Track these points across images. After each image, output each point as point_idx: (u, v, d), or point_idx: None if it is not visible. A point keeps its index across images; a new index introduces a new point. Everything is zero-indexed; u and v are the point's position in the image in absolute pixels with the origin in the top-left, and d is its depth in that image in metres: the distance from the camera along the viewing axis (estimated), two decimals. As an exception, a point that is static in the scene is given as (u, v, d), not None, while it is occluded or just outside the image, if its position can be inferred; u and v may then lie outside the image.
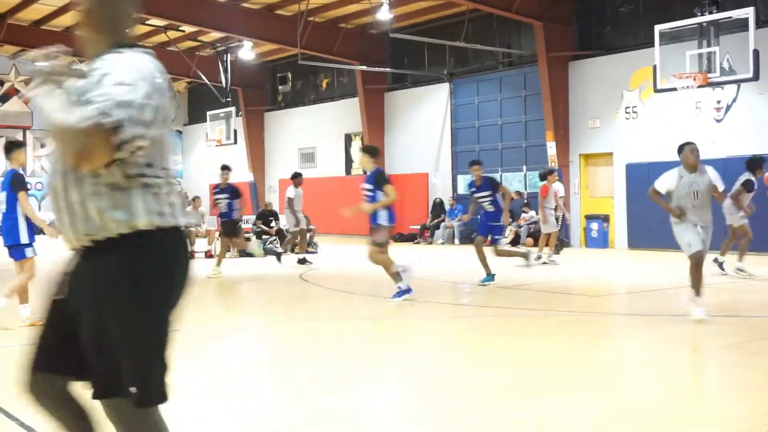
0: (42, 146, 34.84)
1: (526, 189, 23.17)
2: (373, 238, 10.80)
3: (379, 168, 11.12)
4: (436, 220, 25.01)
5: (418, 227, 25.39)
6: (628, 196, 20.31)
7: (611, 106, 20.87)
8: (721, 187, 9.30)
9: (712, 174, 9.03)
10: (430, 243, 24.48)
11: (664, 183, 9.04)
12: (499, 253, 13.10)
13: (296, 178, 18.00)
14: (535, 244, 21.51)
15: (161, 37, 29.36)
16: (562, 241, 18.26)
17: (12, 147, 9.15)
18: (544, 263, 15.95)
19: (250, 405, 5.63)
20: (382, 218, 10.75)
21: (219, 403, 5.59)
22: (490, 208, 12.82)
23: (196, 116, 36.58)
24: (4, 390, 5.90)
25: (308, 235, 21.35)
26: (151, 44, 30.83)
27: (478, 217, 13.52)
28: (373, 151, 11.37)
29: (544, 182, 16.91)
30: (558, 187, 17.19)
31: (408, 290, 10.74)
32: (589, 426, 4.94)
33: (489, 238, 13.08)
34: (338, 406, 5.46)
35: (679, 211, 8.78)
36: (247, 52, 28.09)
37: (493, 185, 12.95)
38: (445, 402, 5.53)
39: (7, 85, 34.01)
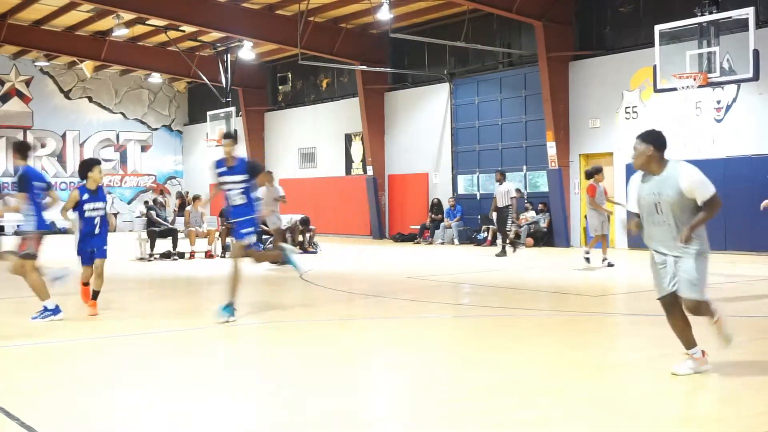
0: (42, 146, 34.85)
1: (526, 189, 23.17)
2: (21, 249, 9.41)
3: (244, 158, 9.87)
4: (434, 220, 24.99)
5: (418, 227, 25.39)
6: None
7: (611, 106, 20.87)
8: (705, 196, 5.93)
9: (684, 177, 5.91)
10: (430, 243, 24.47)
11: (630, 195, 6.37)
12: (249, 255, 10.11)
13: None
14: (536, 244, 21.57)
15: (161, 37, 29.37)
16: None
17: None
18: (610, 265, 15.34)
19: (249, 405, 5.63)
20: (30, 224, 9.62)
21: (217, 404, 5.59)
22: (239, 200, 9.65)
23: (196, 116, 36.59)
24: (5, 390, 5.91)
25: (308, 235, 21.36)
26: (151, 44, 30.88)
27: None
28: (236, 136, 9.90)
29: (591, 181, 15.57)
30: (604, 186, 15.86)
31: (55, 311, 9.30)
32: (588, 426, 4.94)
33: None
34: (336, 407, 5.46)
35: (635, 227, 6.29)
36: (248, 52, 28.09)
37: (250, 170, 9.80)
38: (444, 402, 5.53)
39: (7, 85, 34.00)
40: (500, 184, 18.87)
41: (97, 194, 9.98)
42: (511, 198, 18.92)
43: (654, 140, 6.14)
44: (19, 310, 10.32)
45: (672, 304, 6.16)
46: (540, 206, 22.22)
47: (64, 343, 7.99)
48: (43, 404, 5.55)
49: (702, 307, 6.12)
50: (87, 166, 10.12)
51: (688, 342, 6.25)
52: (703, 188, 5.92)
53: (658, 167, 6.06)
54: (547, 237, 21.91)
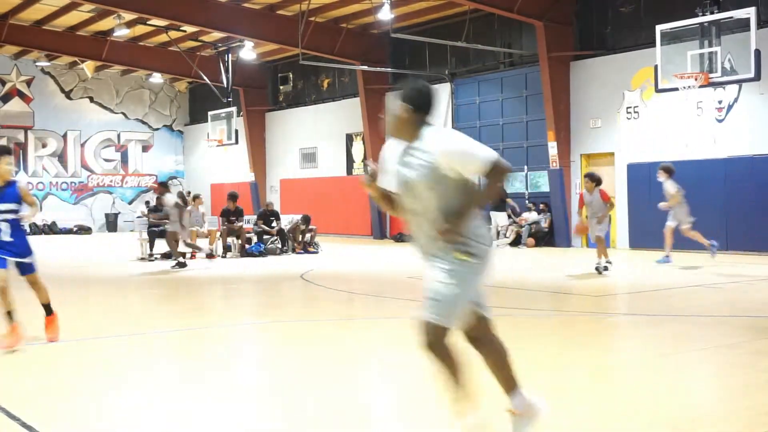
0: (43, 146, 34.87)
1: (527, 189, 23.15)
2: None
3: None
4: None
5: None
6: (630, 196, 20.30)
7: (612, 106, 20.86)
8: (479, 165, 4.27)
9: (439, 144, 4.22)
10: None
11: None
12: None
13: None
14: (537, 244, 21.55)
15: (162, 37, 29.38)
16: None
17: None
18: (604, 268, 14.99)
19: (248, 405, 5.63)
20: None
21: (216, 405, 5.59)
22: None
23: (197, 116, 36.62)
24: (6, 390, 5.91)
25: (309, 235, 21.37)
26: (152, 44, 30.88)
27: None
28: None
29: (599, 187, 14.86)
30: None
31: None
32: (589, 426, 4.94)
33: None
34: (336, 406, 5.46)
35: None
36: (249, 52, 28.10)
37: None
38: (443, 402, 5.53)
39: (8, 85, 34.01)
40: None
41: (3, 193, 7.87)
42: None
43: (411, 97, 4.30)
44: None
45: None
46: (541, 206, 22.20)
47: (64, 344, 7.99)
48: (44, 404, 5.55)
49: (437, 341, 4.23)
50: None
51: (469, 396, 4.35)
52: (470, 156, 4.15)
53: (412, 133, 4.29)
54: (548, 237, 21.90)
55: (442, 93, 25.63)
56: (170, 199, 17.68)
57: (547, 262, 17.18)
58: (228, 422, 5.12)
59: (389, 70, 26.41)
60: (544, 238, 21.84)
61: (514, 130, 23.55)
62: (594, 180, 14.35)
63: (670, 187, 15.54)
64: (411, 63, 26.65)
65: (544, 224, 21.97)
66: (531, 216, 22.16)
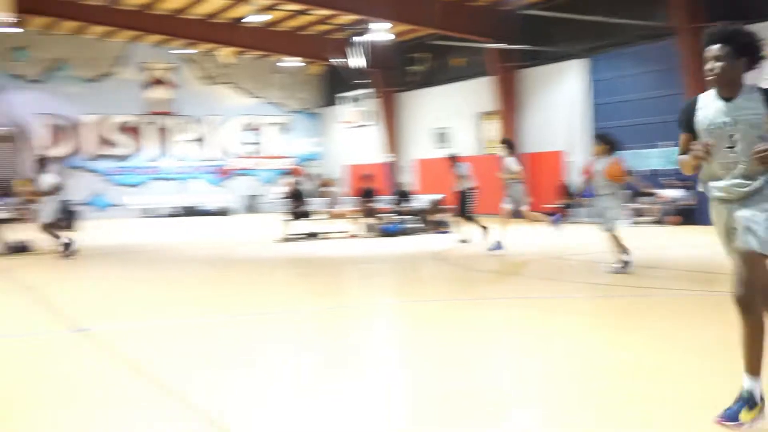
0: (185, 131, 36.21)
1: (664, 166, 22.46)
2: None
3: None
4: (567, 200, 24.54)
5: (554, 206, 25.00)
6: None
7: (757, 75, 19.92)
8: None
9: None
10: (565, 222, 24.05)
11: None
12: None
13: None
14: (684, 223, 20.86)
15: (296, 21, 29.95)
16: None
17: None
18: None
19: (378, 384, 5.73)
20: None
21: (346, 384, 5.71)
22: None
23: (331, 99, 37.16)
24: (159, 362, 6.20)
25: (441, 215, 21.42)
26: (285, 29, 31.50)
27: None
28: None
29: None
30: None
31: None
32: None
33: None
34: (464, 387, 5.48)
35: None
36: (381, 33, 28.28)
37: None
38: (573, 380, 5.48)
39: (152, 74, 35.45)
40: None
41: None
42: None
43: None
44: (173, 287, 10.75)
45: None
46: (685, 183, 21.48)
47: (208, 321, 8.31)
48: (196, 377, 5.80)
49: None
50: None
51: None
52: None
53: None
54: (691, 215, 21.19)
55: (577, 69, 25.12)
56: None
57: (688, 240, 16.64)
58: (356, 401, 5.22)
59: (521, 47, 26.05)
60: (689, 215, 21.14)
61: (652, 105, 22.83)
62: (606, 142, 11.21)
63: (512, 164, 14.86)
64: (544, 39, 26.19)
65: (690, 201, 21.24)
66: (670, 193, 21.47)
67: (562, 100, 25.73)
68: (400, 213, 20.81)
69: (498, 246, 14.56)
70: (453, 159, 17.60)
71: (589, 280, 11.06)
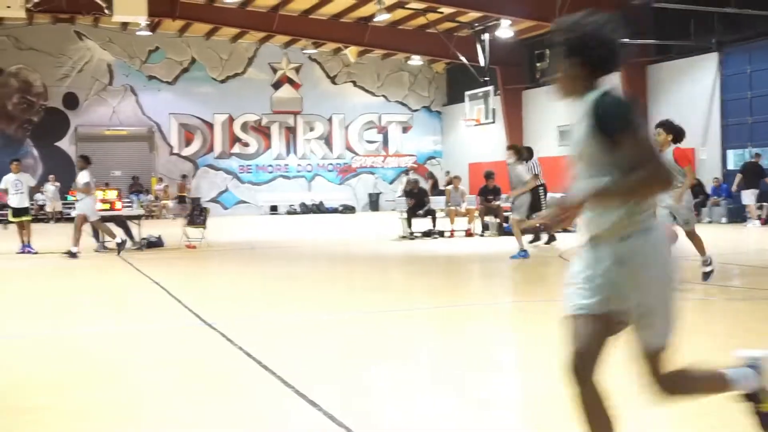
0: (311, 130, 36.83)
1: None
2: None
3: None
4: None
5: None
6: None
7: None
8: None
9: None
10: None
11: None
12: None
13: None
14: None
15: (420, 20, 30.00)
16: None
17: None
18: None
19: (491, 382, 5.62)
20: None
21: (465, 381, 5.63)
22: None
23: (454, 97, 37.05)
24: (281, 356, 6.27)
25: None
26: (411, 27, 31.57)
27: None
28: None
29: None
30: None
31: None
32: None
33: None
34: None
35: None
36: (505, 30, 28.01)
37: None
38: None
39: (279, 73, 36.20)
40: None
41: None
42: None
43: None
44: (296, 283, 10.88)
45: None
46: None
47: (327, 318, 8.38)
48: (317, 372, 5.84)
49: None
50: None
51: None
52: None
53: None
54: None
55: (709, 63, 24.20)
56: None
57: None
58: (471, 400, 5.14)
59: (651, 41, 25.27)
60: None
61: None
62: (670, 130, 9.65)
63: (522, 171, 14.18)
64: (674, 33, 25.34)
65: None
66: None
67: (693, 96, 24.83)
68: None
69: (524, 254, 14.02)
70: None
71: (720, 283, 10.59)
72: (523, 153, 15.77)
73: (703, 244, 9.94)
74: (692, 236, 9.96)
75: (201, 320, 8.08)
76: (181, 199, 32.87)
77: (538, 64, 32.18)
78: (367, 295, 10.17)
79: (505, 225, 20.08)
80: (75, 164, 21.98)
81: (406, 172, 36.06)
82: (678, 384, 3.39)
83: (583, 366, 3.22)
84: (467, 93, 32.04)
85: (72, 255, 15.16)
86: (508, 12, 26.25)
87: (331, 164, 37.27)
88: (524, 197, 14.28)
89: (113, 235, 15.95)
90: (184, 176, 34.32)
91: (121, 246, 15.77)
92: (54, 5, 24.54)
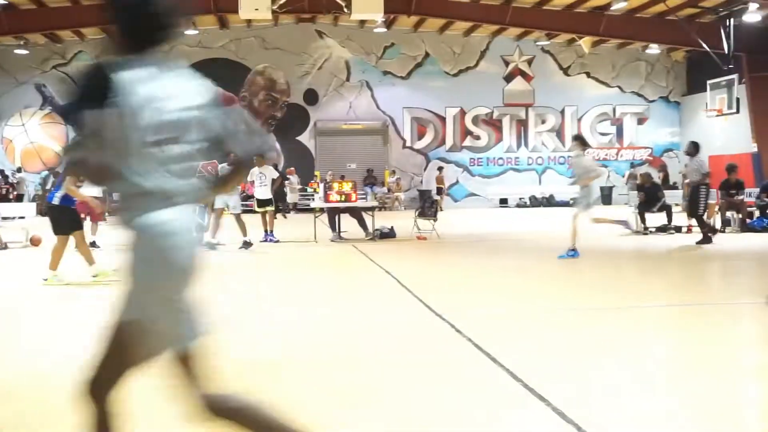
0: (542, 122, 36.46)
1: None
2: None
3: None
4: None
5: None
6: None
7: None
8: None
9: None
10: None
11: None
12: None
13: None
14: None
15: (660, 7, 28.88)
16: None
17: None
18: None
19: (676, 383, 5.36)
20: None
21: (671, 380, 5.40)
22: None
23: (695, 86, 35.31)
24: (510, 352, 6.31)
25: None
26: (648, 15, 30.47)
27: None
28: None
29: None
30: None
31: None
32: None
33: None
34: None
35: None
36: (753, 14, 26.38)
37: None
38: None
39: (511, 66, 36.10)
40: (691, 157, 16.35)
41: None
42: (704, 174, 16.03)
43: None
44: (525, 276, 10.87)
45: None
46: None
47: (560, 312, 8.31)
48: (544, 366, 5.84)
49: None
50: None
51: None
52: None
53: None
54: None
55: None
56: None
57: None
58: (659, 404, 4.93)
59: None
60: None
61: None
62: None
63: (589, 163, 13.42)
64: None
65: None
66: None
67: None
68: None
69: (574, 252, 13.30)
70: None
71: None
72: (587, 144, 15.05)
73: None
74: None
75: (431, 310, 8.28)
76: (438, 191, 33.40)
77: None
78: (594, 291, 9.99)
79: (748, 221, 19.02)
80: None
81: (633, 165, 34.88)
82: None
83: None
84: (709, 82, 30.49)
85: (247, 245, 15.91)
86: (759, -5, 24.71)
87: (562, 157, 36.72)
88: (586, 190, 13.66)
89: (246, 233, 16.27)
90: (440, 168, 34.92)
91: (247, 245, 16.06)
92: (297, 6, 25.83)
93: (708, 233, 16.13)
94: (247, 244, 15.98)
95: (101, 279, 10.76)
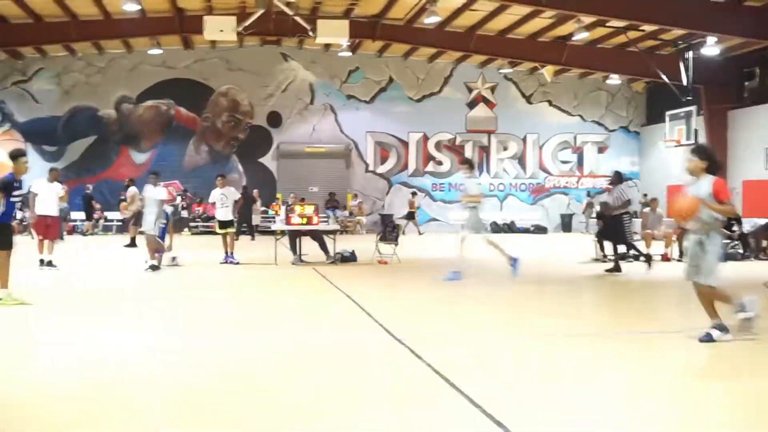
0: (504, 149, 36.71)
1: None
2: None
3: None
4: None
5: None
6: None
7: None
8: None
9: None
10: None
11: None
12: None
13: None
14: None
15: (621, 39, 29.33)
16: None
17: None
18: None
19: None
20: None
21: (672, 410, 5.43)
22: None
23: (654, 117, 35.86)
24: (467, 375, 6.29)
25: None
26: (610, 46, 30.91)
27: None
28: None
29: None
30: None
31: None
32: None
33: None
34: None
35: None
36: (711, 48, 26.90)
37: None
38: None
39: (474, 92, 36.37)
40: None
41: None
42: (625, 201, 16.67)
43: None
44: (485, 303, 10.88)
45: None
46: None
47: (517, 339, 8.31)
48: (500, 392, 5.83)
49: None
50: None
51: None
52: None
53: None
54: None
55: None
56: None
57: None
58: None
59: None
60: None
61: None
62: (705, 158, 8.29)
63: (472, 186, 13.90)
64: None
65: None
66: None
67: None
68: (725, 237, 19.54)
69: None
70: None
71: None
72: (475, 167, 15.40)
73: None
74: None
75: (390, 335, 8.25)
76: (410, 215, 33.43)
77: (746, 83, 30.63)
78: (547, 319, 10.04)
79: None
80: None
81: (589, 194, 35.22)
82: None
83: None
84: (668, 113, 30.94)
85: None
86: (715, 29, 25.15)
87: (523, 184, 36.99)
88: (470, 213, 14.06)
89: (153, 255, 16.02)
90: (414, 193, 35.04)
91: (155, 268, 15.78)
92: (262, 29, 25.83)
93: (646, 259, 16.56)
94: (154, 267, 15.67)
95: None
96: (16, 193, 10.72)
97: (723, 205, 8.04)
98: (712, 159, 8.28)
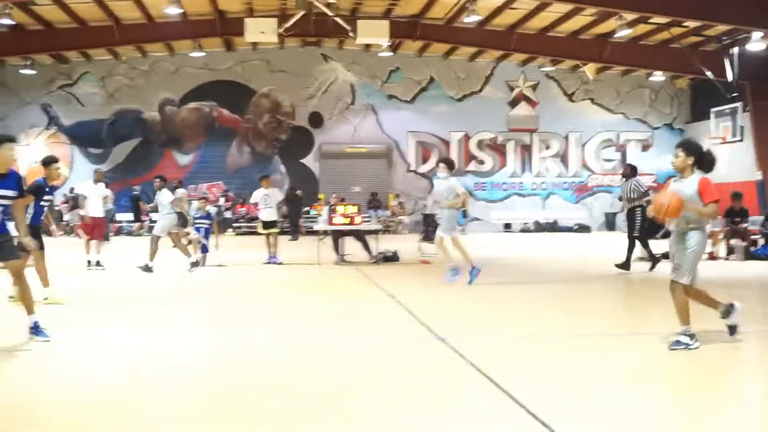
0: (546, 147, 36.50)
1: None
2: None
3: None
4: None
5: None
6: None
7: None
8: None
9: None
10: None
11: None
12: None
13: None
14: None
15: (664, 35, 28.98)
16: None
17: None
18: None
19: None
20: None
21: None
22: None
23: (699, 114, 35.39)
24: (508, 373, 6.28)
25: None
26: (653, 42, 30.58)
27: None
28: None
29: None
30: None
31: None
32: None
33: None
34: None
35: None
36: (757, 43, 26.47)
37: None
38: None
39: (516, 91, 36.20)
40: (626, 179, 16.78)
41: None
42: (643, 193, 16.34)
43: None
44: (526, 302, 10.83)
45: None
46: None
47: (557, 336, 8.26)
48: (540, 390, 5.81)
49: None
50: None
51: None
52: None
53: None
54: None
55: None
56: None
57: None
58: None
59: None
60: None
61: None
62: (692, 153, 7.92)
63: (455, 186, 13.47)
64: None
65: None
66: None
67: None
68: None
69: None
70: None
71: None
72: (454, 167, 14.89)
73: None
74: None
75: (433, 333, 8.25)
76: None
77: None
78: (594, 319, 9.95)
79: (752, 249, 18.97)
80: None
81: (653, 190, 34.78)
82: None
83: None
84: (713, 110, 30.53)
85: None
86: (764, 24, 24.72)
87: (566, 182, 36.73)
88: (448, 214, 13.60)
89: (188, 254, 16.26)
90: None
91: (195, 264, 15.99)
92: (303, 30, 25.97)
93: (654, 258, 16.17)
94: (148, 269, 15.65)
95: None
96: (46, 197, 11.06)
97: (706, 207, 7.66)
98: (700, 154, 7.86)
